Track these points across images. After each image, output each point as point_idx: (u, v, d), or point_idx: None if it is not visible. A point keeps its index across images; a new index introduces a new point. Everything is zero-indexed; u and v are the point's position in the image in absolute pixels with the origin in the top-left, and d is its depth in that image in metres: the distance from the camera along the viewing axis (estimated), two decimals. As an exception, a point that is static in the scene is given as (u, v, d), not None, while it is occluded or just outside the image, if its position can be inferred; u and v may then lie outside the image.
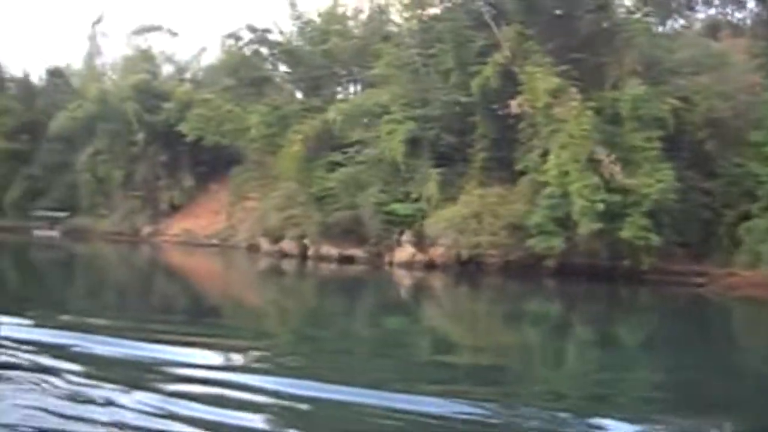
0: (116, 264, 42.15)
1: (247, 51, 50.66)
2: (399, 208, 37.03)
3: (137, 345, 12.80)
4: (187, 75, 60.75)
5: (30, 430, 7.78)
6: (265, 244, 42.54)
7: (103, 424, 8.14)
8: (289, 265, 38.91)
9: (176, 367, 11.28)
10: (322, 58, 46.89)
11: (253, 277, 36.86)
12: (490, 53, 35.24)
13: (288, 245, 40.95)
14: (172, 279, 34.44)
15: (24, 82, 63.48)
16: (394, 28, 44.48)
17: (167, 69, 61.95)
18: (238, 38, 50.81)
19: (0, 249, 46.77)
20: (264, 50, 50.73)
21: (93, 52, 65.30)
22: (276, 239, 41.71)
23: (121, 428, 8.03)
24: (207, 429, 8.16)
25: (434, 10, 40.52)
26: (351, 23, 48.81)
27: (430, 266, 35.84)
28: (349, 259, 38.57)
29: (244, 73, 49.53)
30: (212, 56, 58.58)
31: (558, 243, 32.21)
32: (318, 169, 39.89)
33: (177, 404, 8.94)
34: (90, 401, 8.99)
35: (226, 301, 26.00)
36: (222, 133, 46.98)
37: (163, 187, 53.93)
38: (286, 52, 49.50)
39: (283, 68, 51.72)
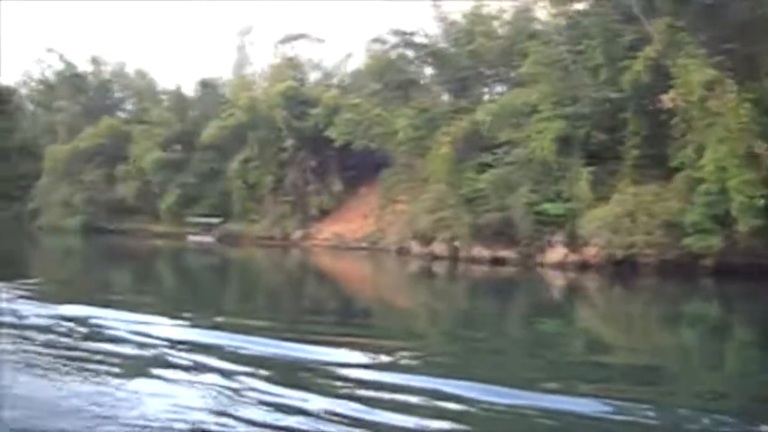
0: (268, 268, 44.34)
1: (393, 54, 51.92)
2: (550, 208, 37.66)
3: (292, 346, 13.64)
4: (334, 81, 63.35)
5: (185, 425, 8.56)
6: (415, 247, 43.96)
7: (263, 420, 8.88)
8: (439, 267, 39.97)
9: (331, 367, 11.95)
10: (468, 59, 47.82)
11: (403, 279, 37.87)
12: (640, 47, 35.37)
13: (438, 248, 42.25)
14: (324, 282, 36.01)
15: (177, 94, 68.10)
16: (540, 26, 44.79)
17: (314, 75, 65.01)
18: (383, 42, 52.18)
19: (157, 254, 50.14)
20: (409, 53, 52.00)
21: (242, 62, 69.20)
22: (426, 242, 43.05)
23: (278, 424, 8.68)
24: (365, 428, 8.61)
25: (581, 6, 40.78)
26: (495, 23, 49.36)
27: (583, 267, 36.22)
28: (500, 261, 39.22)
29: (390, 76, 50.94)
30: (358, 61, 60.58)
31: (716, 241, 32.20)
32: (467, 171, 40.89)
33: (335, 404, 9.49)
34: (247, 399, 9.79)
35: (377, 303, 27.15)
36: (370, 137, 48.98)
37: (312, 192, 56.33)
38: (431, 54, 50.67)
39: (428, 70, 53.14)
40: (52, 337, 13.82)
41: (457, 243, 41.53)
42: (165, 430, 8.45)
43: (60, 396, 9.73)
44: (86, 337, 14.07)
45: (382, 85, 51.66)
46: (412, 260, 43.19)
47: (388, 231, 48.57)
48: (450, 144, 41.26)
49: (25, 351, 12.40)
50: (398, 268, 42.86)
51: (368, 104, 50.17)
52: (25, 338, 13.53)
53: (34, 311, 16.87)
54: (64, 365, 11.35)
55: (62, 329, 14.64)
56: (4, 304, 17.84)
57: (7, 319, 15.53)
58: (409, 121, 45.35)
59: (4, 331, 14.12)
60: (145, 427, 8.43)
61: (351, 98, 54.03)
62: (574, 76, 39.12)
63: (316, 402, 9.64)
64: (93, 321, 15.75)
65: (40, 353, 12.25)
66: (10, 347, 12.64)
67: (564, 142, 37.56)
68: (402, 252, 45.52)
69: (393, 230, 47.64)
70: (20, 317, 15.98)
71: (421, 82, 52.67)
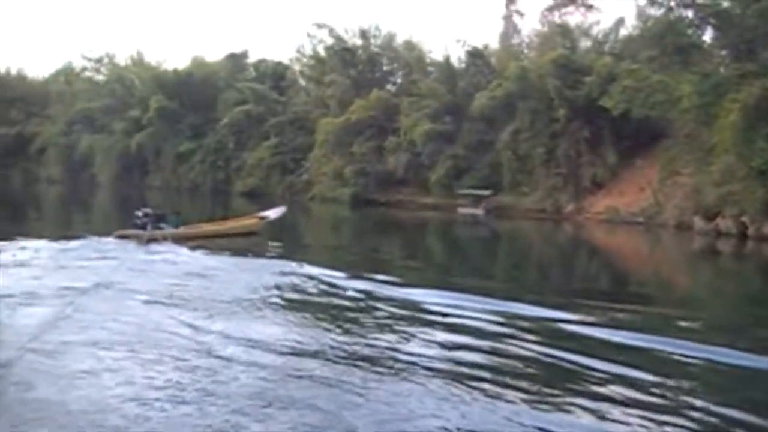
0: (540, 241, 45.10)
1: (671, 17, 50.52)
2: None
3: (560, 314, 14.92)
4: (605, 48, 62.48)
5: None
6: (697, 223, 42.91)
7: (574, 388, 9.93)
8: (725, 245, 38.86)
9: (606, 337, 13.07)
10: (756, 19, 45.46)
11: (684, 256, 37.42)
12: None
13: (724, 224, 41.06)
14: (597, 256, 36.48)
15: (445, 65, 69.67)
16: None
17: (584, 43, 64.38)
18: (659, 5, 50.84)
19: (426, 226, 52.10)
20: (689, 14, 50.37)
21: (508, 31, 69.67)
22: (710, 217, 41.94)
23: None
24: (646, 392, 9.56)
25: None
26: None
27: None
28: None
29: (669, 40, 49.57)
30: (629, 27, 60.42)
31: None
32: (759, 141, 39.19)
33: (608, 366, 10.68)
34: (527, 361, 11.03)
35: (654, 279, 27.16)
36: (650, 105, 47.92)
37: (585, 164, 55.87)
38: (714, 15, 48.81)
39: (709, 33, 51.21)
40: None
41: (745, 219, 40.11)
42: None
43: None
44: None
45: (660, 51, 50.24)
46: (693, 236, 42.23)
47: (666, 205, 47.54)
48: (739, 111, 39.63)
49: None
50: (678, 245, 42.10)
51: (647, 70, 48.93)
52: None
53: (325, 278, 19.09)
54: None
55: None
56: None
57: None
58: (693, 87, 43.89)
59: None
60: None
61: (625, 65, 53.05)
62: None
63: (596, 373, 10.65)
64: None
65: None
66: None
67: None
68: (681, 227, 44.60)
69: (672, 204, 46.62)
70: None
71: (703, 45, 50.55)
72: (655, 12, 50.81)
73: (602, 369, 11.09)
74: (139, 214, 28.01)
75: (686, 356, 12.19)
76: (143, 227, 27.40)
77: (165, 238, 26.85)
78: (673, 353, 12.37)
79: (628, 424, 8.88)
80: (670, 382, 10.62)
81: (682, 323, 14.99)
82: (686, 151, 45.84)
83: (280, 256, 24.14)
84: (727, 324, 16.57)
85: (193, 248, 24.98)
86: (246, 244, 27.31)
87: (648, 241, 44.00)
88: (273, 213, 34.12)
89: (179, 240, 27.15)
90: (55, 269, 19.02)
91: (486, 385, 9.96)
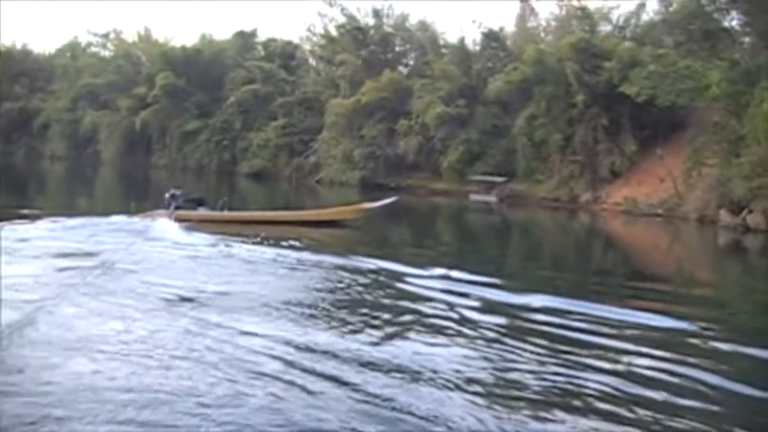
0: (554, 231, 43.72)
1: (698, 1, 48.83)
2: None
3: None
4: (626, 33, 60.85)
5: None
6: (723, 216, 41.11)
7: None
8: (753, 241, 37.12)
9: (630, 329, 12.48)
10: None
11: (707, 251, 35.89)
12: None
13: (754, 219, 39.17)
14: (613, 248, 35.05)
15: (460, 47, 68.01)
16: None
17: (603, 28, 62.63)
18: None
19: (437, 212, 50.71)
20: (718, -1, 48.66)
21: (525, 14, 68.07)
22: (737, 211, 40.22)
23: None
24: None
25: None
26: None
27: None
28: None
29: (697, 25, 47.85)
30: (651, 12, 58.88)
31: None
32: (791, 133, 37.57)
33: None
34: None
35: (674, 274, 25.72)
36: (677, 92, 45.97)
37: (603, 152, 54.27)
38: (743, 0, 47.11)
39: (737, 18, 49.30)
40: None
41: (775, 214, 38.19)
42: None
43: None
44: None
45: (686, 36, 48.56)
46: (717, 231, 40.38)
47: (688, 197, 45.64)
48: (772, 101, 37.94)
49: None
50: (700, 239, 40.49)
51: (674, 56, 47.08)
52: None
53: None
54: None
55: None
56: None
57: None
58: (722, 74, 42.09)
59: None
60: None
61: (648, 51, 51.31)
62: None
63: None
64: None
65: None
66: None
67: None
68: (704, 221, 42.79)
69: (694, 196, 44.73)
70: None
71: (731, 31, 48.74)
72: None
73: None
74: (167, 195, 27.37)
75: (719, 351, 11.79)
76: (177, 209, 26.54)
77: (189, 220, 25.42)
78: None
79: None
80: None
81: (710, 322, 14.21)
82: (714, 141, 43.82)
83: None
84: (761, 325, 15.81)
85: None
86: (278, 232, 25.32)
87: (668, 235, 42.39)
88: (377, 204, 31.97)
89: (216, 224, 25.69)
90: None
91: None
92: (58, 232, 21.11)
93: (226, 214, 27.84)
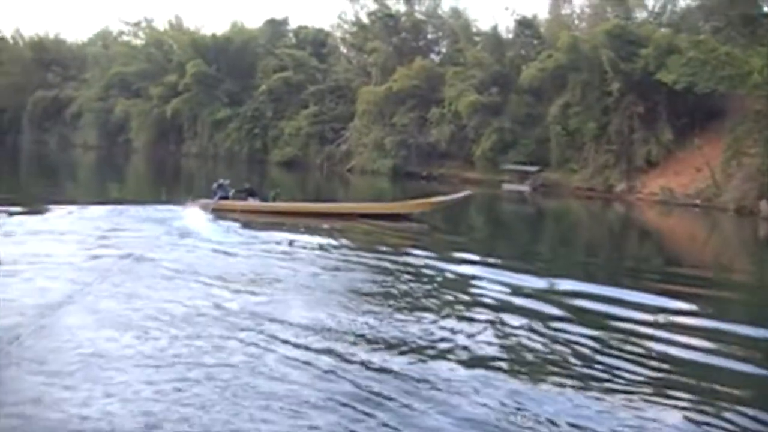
0: (587, 221, 42.84)
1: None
2: None
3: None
4: (663, 19, 59.88)
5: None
6: (764, 207, 40.35)
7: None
8: (793, 232, 36.30)
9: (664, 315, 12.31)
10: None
11: (747, 243, 34.57)
12: None
13: (795, 210, 38.29)
14: (649, 239, 34.00)
15: (492, 34, 67.13)
16: None
17: (638, 14, 61.90)
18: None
19: (470, 201, 49.88)
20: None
21: (559, 1, 67.16)
22: (777, 202, 39.30)
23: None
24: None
25: None
26: None
27: None
28: None
29: (735, 10, 46.88)
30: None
31: None
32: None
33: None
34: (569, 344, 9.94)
35: (711, 266, 24.57)
36: (717, 80, 44.96)
37: (638, 141, 53.38)
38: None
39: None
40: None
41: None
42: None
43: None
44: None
45: (725, 22, 47.57)
46: (757, 222, 39.59)
47: (726, 187, 44.65)
48: (815, 88, 36.99)
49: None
50: (739, 230, 39.39)
51: (714, 42, 46.07)
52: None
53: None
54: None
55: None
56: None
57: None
58: (764, 61, 41.08)
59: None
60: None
61: (684, 38, 50.25)
62: None
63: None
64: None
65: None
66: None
67: None
68: (742, 211, 41.93)
69: (732, 186, 43.77)
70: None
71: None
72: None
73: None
74: (214, 185, 26.84)
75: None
76: (224, 199, 26.12)
77: (233, 210, 24.99)
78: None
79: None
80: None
81: (748, 315, 14.09)
82: (755, 130, 42.77)
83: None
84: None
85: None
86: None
87: (707, 225, 41.27)
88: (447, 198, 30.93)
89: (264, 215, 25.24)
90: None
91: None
92: (96, 221, 20.73)
93: (281, 204, 27.01)
